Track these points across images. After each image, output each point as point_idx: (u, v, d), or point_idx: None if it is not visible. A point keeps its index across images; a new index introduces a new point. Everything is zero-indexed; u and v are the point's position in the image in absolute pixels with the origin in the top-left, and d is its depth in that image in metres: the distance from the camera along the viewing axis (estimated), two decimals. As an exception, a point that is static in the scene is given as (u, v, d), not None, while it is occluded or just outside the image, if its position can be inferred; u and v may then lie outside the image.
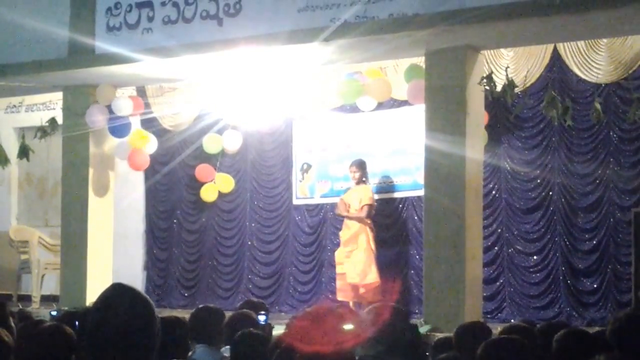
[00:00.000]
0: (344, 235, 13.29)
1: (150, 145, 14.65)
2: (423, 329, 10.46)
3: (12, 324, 5.91)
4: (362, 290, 12.95)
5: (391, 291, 12.98)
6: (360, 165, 13.39)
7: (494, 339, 5.33)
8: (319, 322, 4.27)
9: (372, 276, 12.98)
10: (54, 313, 8.23)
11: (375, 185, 13.89)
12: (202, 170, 15.19)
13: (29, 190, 17.85)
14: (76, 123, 14.12)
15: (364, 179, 13.38)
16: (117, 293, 3.22)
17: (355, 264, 12.98)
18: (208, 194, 15.20)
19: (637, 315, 5.38)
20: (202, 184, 15.35)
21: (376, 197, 13.59)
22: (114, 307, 3.17)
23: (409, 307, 12.99)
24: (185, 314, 7.02)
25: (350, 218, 13.22)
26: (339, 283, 13.23)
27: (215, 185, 15.21)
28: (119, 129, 14.18)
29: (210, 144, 14.86)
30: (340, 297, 13.09)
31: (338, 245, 13.59)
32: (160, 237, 16.37)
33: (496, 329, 11.10)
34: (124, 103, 14.16)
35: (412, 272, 13.68)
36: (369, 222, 13.16)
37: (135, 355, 3.15)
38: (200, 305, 6.77)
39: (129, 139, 14.38)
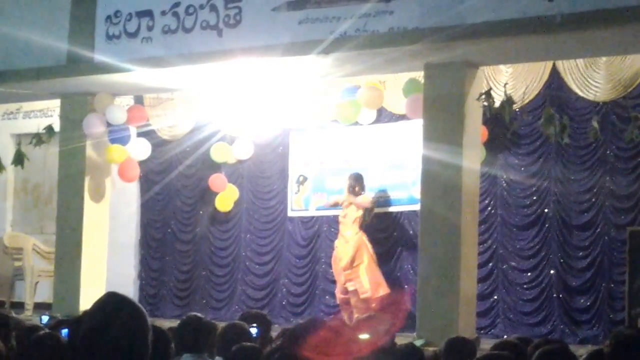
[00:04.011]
0: (343, 251, 13.24)
1: (138, 155, 14.61)
2: (416, 343, 10.45)
3: (13, 342, 5.78)
4: (374, 305, 12.95)
5: (397, 302, 13.09)
6: (358, 179, 13.41)
7: (484, 355, 5.33)
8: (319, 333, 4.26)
9: (383, 288, 13.08)
10: (45, 319, 8.21)
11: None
12: (215, 180, 15.11)
13: (24, 197, 17.83)
14: (73, 131, 14.11)
15: (362, 192, 13.41)
16: (111, 302, 3.21)
17: (367, 278, 13.02)
18: (222, 203, 15.14)
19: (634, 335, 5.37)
20: (202, 194, 15.41)
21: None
22: (107, 316, 3.16)
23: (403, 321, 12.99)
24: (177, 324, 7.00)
25: (357, 204, 13.22)
26: (353, 300, 13.17)
27: (229, 195, 15.15)
28: (119, 138, 14.17)
29: (218, 153, 14.76)
30: (356, 313, 13.00)
31: (331, 257, 13.62)
32: (154, 247, 16.36)
33: (487, 343, 11.12)
34: (118, 113, 14.15)
35: (406, 286, 13.67)
36: (370, 206, 13.30)
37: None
38: (190, 314, 6.71)
39: (106, 154, 14.32)
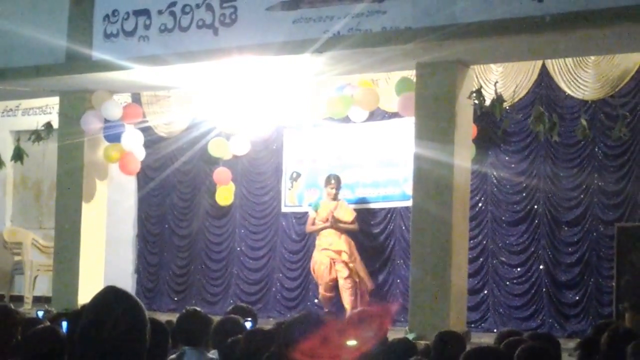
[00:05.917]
0: (338, 244, 13.46)
1: (135, 154, 14.70)
2: (408, 337, 10.60)
3: (19, 337, 5.74)
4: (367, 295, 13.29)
5: (383, 297, 13.28)
6: (339, 181, 13.62)
7: (475, 348, 5.44)
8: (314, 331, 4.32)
9: (364, 283, 13.30)
10: (40, 313, 8.36)
11: (364, 195, 14.09)
12: (220, 174, 15.15)
13: (24, 193, 17.92)
14: (72, 128, 14.20)
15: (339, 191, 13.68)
16: (110, 296, 3.25)
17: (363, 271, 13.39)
18: (223, 197, 15.18)
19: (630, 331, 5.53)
20: (199, 190, 15.54)
21: (364, 207, 13.95)
22: (106, 309, 3.20)
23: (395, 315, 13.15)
24: (174, 318, 7.13)
25: (348, 229, 13.44)
26: (350, 290, 13.42)
27: (230, 189, 15.20)
28: (113, 135, 14.27)
29: (216, 148, 14.83)
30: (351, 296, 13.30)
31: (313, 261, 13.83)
32: (151, 242, 16.46)
33: (477, 337, 11.32)
34: (114, 108, 14.24)
35: (399, 281, 13.83)
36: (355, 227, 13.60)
37: (127, 358, 3.19)
38: (188, 308, 6.86)
39: (102, 152, 14.47)
